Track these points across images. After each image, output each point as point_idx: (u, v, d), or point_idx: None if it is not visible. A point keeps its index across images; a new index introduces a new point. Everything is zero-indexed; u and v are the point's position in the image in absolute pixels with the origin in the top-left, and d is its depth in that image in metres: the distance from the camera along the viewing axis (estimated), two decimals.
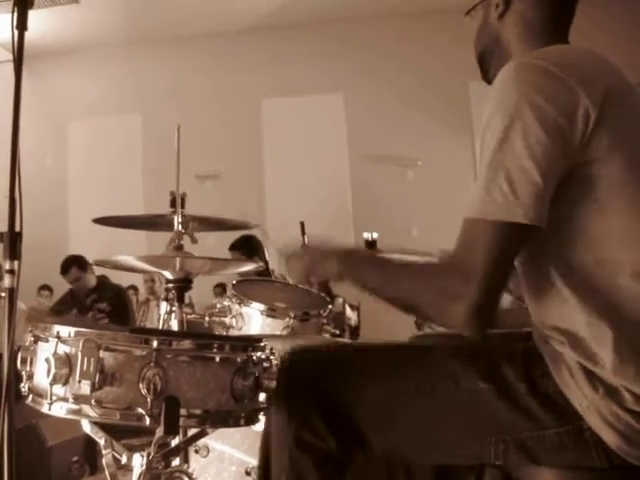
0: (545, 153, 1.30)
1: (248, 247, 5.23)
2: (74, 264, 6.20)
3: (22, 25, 1.77)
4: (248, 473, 2.30)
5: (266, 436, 1.70)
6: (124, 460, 1.79)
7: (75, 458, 4.06)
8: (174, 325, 2.47)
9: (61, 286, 6.69)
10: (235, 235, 5.35)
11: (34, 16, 1.78)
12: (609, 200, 1.34)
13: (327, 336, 2.80)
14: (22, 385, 1.72)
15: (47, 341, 1.67)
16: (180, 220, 2.50)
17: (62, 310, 6.23)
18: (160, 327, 2.55)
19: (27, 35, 1.78)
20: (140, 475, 1.67)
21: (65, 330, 1.64)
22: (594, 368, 1.35)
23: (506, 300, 1.81)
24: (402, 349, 1.72)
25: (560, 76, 1.35)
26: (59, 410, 1.61)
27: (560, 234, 1.36)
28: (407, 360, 1.60)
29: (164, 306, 2.53)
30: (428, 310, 1.39)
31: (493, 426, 1.46)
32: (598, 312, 1.35)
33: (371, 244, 2.89)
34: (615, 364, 1.32)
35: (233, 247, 5.30)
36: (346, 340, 2.20)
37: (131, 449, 1.81)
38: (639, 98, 1.49)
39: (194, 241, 2.51)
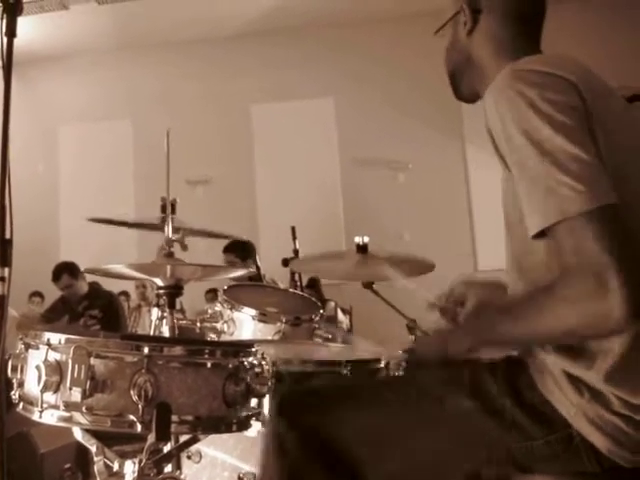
0: (574, 132, 1.29)
1: (242, 250, 5.23)
2: (65, 271, 6.18)
3: (11, 32, 1.77)
4: (241, 479, 2.29)
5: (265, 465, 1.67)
6: (116, 467, 1.78)
7: (67, 465, 4.04)
8: (165, 331, 2.46)
9: (52, 292, 6.66)
10: (227, 240, 5.35)
11: (23, 22, 1.78)
12: None
13: (319, 340, 2.80)
14: (13, 393, 1.72)
15: (38, 348, 1.66)
16: (171, 227, 2.50)
17: (53, 317, 6.20)
18: (151, 333, 2.54)
19: (16, 41, 1.78)
20: None
21: (55, 337, 1.64)
22: (581, 372, 1.35)
23: None
24: (387, 382, 1.73)
25: (559, 74, 1.36)
26: (50, 418, 1.61)
27: None
28: (393, 391, 1.60)
29: (155, 312, 2.53)
30: (583, 330, 1.26)
31: (481, 440, 1.46)
32: None
33: (362, 248, 2.90)
34: (615, 371, 1.32)
35: (227, 249, 5.30)
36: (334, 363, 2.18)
37: (123, 456, 1.80)
38: (619, 102, 1.50)
39: (184, 248, 2.51)
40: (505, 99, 1.37)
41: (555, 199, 1.25)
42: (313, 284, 5.18)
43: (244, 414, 1.76)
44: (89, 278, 6.31)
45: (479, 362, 1.53)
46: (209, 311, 2.83)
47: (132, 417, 1.57)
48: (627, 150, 1.41)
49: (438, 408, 1.49)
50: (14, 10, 1.76)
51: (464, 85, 1.73)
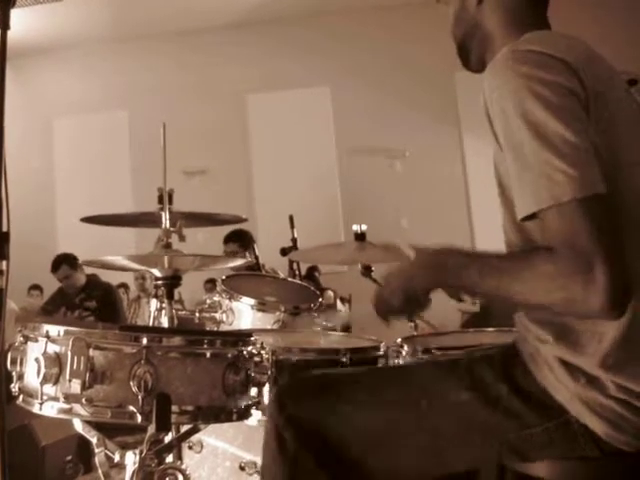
0: (570, 116, 1.28)
1: (243, 239, 5.22)
2: (64, 262, 6.20)
3: (4, 24, 1.75)
4: (242, 468, 2.29)
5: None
6: (117, 458, 1.79)
7: (69, 457, 4.06)
8: (164, 322, 2.46)
9: (51, 285, 6.67)
10: (225, 230, 5.34)
11: (17, 14, 1.77)
12: None
13: (318, 329, 2.80)
14: (13, 385, 1.72)
15: (37, 341, 1.66)
16: (168, 217, 2.49)
17: (52, 309, 6.22)
18: (151, 324, 2.54)
19: (10, 34, 1.77)
20: (133, 473, 1.67)
21: (54, 329, 1.64)
22: (575, 359, 1.35)
23: None
24: (385, 373, 1.72)
25: (558, 57, 1.34)
26: (50, 410, 1.61)
27: None
28: (391, 385, 1.59)
29: (154, 303, 2.53)
30: (555, 307, 1.27)
31: (483, 432, 1.46)
32: None
33: (360, 236, 2.89)
34: (609, 356, 1.32)
35: (228, 239, 5.29)
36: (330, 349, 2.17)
37: (124, 447, 1.81)
38: (621, 84, 1.49)
39: (182, 239, 2.50)
40: (503, 79, 1.35)
41: (548, 184, 1.25)
42: (311, 275, 5.18)
43: (244, 403, 1.77)
44: (88, 270, 6.32)
45: (474, 353, 1.53)
46: (208, 301, 2.83)
47: (132, 408, 1.58)
48: (626, 134, 1.40)
49: (437, 402, 1.49)
50: (7, 2, 1.75)
51: (473, 55, 1.68)
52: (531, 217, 1.29)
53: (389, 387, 1.58)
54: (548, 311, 1.34)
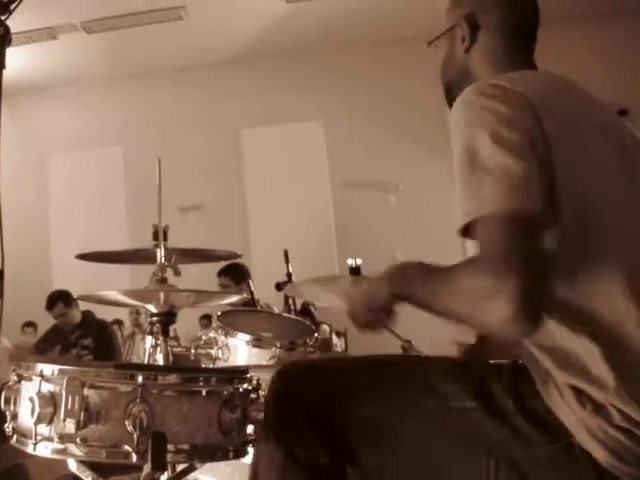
0: (516, 144, 1.30)
1: (237, 273, 5.24)
2: (60, 299, 6.16)
3: (0, 63, 1.76)
4: None
5: (256, 459, 1.68)
6: None
7: None
8: (160, 359, 2.45)
9: (45, 322, 6.63)
10: (220, 266, 5.35)
11: (11, 53, 1.78)
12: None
13: None
14: (6, 425, 1.70)
15: (31, 380, 1.65)
16: (163, 253, 2.49)
17: (46, 347, 6.17)
18: (146, 361, 2.53)
19: (5, 72, 1.78)
20: None
21: (49, 368, 1.62)
22: (585, 386, 1.34)
23: None
24: (393, 366, 1.71)
25: (516, 90, 1.38)
26: (44, 450, 1.59)
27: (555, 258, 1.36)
28: (397, 379, 1.59)
29: (149, 340, 2.52)
30: (469, 321, 1.30)
31: (483, 444, 1.45)
32: (592, 334, 1.34)
33: (355, 270, 2.89)
34: (617, 383, 1.31)
35: (222, 272, 5.31)
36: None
37: None
38: (595, 117, 1.50)
39: (177, 274, 2.50)
40: (458, 109, 1.42)
41: (476, 200, 1.29)
42: (306, 309, 5.18)
43: (240, 441, 1.75)
44: (82, 307, 6.28)
45: (487, 366, 1.53)
46: (203, 337, 2.82)
47: (127, 447, 1.56)
48: (594, 169, 1.41)
49: (443, 406, 1.48)
50: (3, 41, 1.76)
51: None
52: (467, 234, 1.32)
53: (396, 384, 1.58)
54: (467, 325, 1.35)
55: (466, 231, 1.33)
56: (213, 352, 2.75)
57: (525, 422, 1.40)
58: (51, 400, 1.59)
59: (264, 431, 1.62)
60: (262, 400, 1.81)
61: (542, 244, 1.28)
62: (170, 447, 1.59)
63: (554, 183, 1.31)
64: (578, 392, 1.35)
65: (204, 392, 1.68)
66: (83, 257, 2.65)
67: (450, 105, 1.77)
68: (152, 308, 2.42)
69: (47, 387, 1.60)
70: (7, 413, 1.70)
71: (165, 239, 2.52)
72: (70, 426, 1.55)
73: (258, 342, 2.76)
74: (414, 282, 1.46)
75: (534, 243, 1.25)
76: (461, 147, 1.36)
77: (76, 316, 6.21)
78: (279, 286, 3.89)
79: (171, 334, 2.52)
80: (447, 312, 1.35)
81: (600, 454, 1.33)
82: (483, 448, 1.46)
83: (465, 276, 1.29)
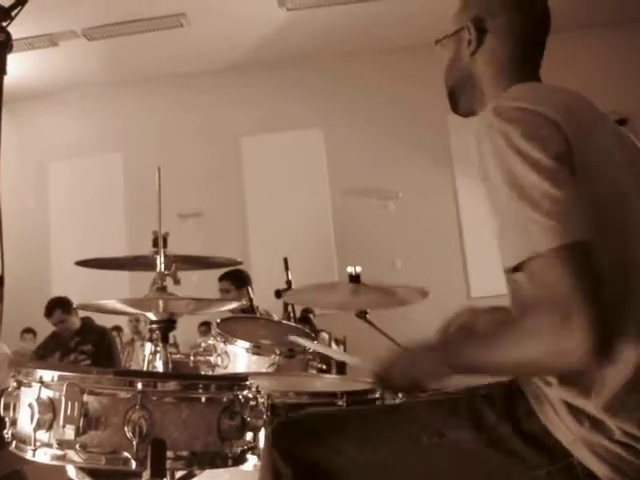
0: (550, 170, 1.28)
1: (238, 278, 5.25)
2: (58, 306, 6.15)
3: (1, 69, 1.77)
4: None
5: None
6: None
7: None
8: (159, 366, 2.45)
9: (45, 328, 6.62)
10: (219, 272, 5.35)
11: (12, 59, 1.78)
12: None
13: (313, 372, 2.78)
14: (5, 431, 1.70)
15: (30, 386, 1.65)
16: (163, 260, 2.49)
17: (45, 354, 6.16)
18: (145, 368, 2.53)
19: (6, 79, 1.78)
20: None
21: (48, 374, 1.62)
22: (580, 402, 1.34)
23: None
24: (385, 411, 1.71)
25: (541, 112, 1.36)
26: (43, 456, 1.59)
27: None
28: (390, 422, 1.58)
29: (148, 347, 2.52)
30: (546, 363, 1.26)
31: (482, 473, 1.45)
32: None
33: (355, 278, 2.89)
34: (614, 400, 1.31)
35: (223, 277, 5.32)
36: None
37: None
38: (605, 129, 1.51)
39: (177, 282, 2.50)
40: (488, 136, 1.37)
41: (525, 236, 1.26)
42: (306, 317, 5.18)
43: (240, 448, 1.75)
44: (82, 313, 6.28)
45: (477, 391, 1.52)
46: (202, 344, 2.82)
47: (126, 454, 1.56)
48: (612, 178, 1.41)
49: (437, 440, 1.47)
50: (4, 47, 1.77)
51: (462, 102, 1.73)
52: (518, 269, 1.29)
53: (388, 424, 1.57)
54: (541, 371, 1.34)
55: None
56: (212, 359, 2.75)
57: (523, 445, 1.39)
58: (50, 406, 1.58)
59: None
60: (261, 407, 1.81)
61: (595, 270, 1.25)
62: (169, 454, 1.58)
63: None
64: (574, 409, 1.35)
65: (203, 399, 1.68)
66: (82, 264, 2.65)
67: (453, 107, 1.77)
68: (151, 316, 2.42)
69: (46, 393, 1.60)
70: (6, 419, 1.70)
71: (165, 246, 2.52)
72: (69, 432, 1.55)
73: (257, 349, 2.76)
74: (462, 348, 1.43)
75: (592, 273, 1.23)
76: (500, 176, 1.32)
77: (75, 323, 6.21)
78: (279, 293, 3.89)
79: (170, 341, 2.52)
80: (510, 365, 1.33)
81: (601, 470, 1.32)
82: (483, 476, 1.45)
83: (530, 322, 1.25)
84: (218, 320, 2.91)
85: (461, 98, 1.73)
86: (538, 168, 1.28)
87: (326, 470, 1.52)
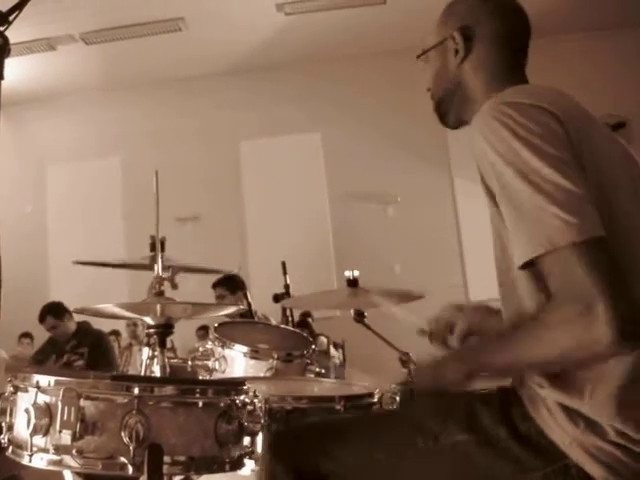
0: (562, 163, 1.29)
1: (231, 283, 5.27)
2: (49, 313, 6.14)
3: None
4: None
5: None
6: None
7: None
8: (157, 370, 2.44)
9: (43, 332, 6.61)
10: (217, 276, 5.36)
11: (10, 63, 1.78)
12: None
13: (311, 376, 2.78)
14: (2, 436, 1.70)
15: (27, 391, 1.65)
16: (160, 266, 2.48)
17: (42, 359, 6.15)
18: (142, 373, 2.52)
19: (4, 83, 1.78)
20: None
21: (45, 379, 1.62)
22: (575, 403, 1.34)
23: None
24: (383, 416, 1.71)
25: (545, 108, 1.37)
26: (40, 461, 1.59)
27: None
28: (387, 426, 1.59)
29: (146, 351, 2.51)
30: (575, 353, 1.27)
31: (479, 475, 1.45)
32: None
33: (353, 282, 2.89)
34: (607, 399, 1.31)
35: (217, 284, 5.34)
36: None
37: None
38: (600, 131, 1.51)
39: (174, 287, 2.50)
40: (491, 132, 1.37)
41: (544, 230, 1.26)
42: (304, 321, 5.18)
43: (237, 453, 1.74)
44: (79, 317, 6.27)
45: (473, 394, 1.52)
46: (200, 349, 2.82)
47: (123, 459, 1.55)
48: (610, 178, 1.41)
49: (433, 443, 1.47)
50: (2, 52, 1.76)
51: (452, 113, 1.73)
52: (529, 264, 1.30)
53: (385, 428, 1.57)
54: (570, 362, 1.33)
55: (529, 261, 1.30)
56: (210, 363, 2.74)
57: (519, 447, 1.39)
58: (47, 411, 1.58)
59: None
60: (259, 412, 1.80)
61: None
62: (166, 459, 1.58)
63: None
64: (569, 411, 1.35)
65: (201, 404, 1.67)
66: (81, 263, 2.65)
67: (442, 121, 1.77)
68: (149, 320, 2.41)
69: (43, 398, 1.60)
70: (3, 424, 1.70)
71: (162, 250, 2.52)
72: (66, 437, 1.54)
73: (255, 354, 2.76)
74: (487, 350, 1.44)
75: (607, 265, 1.24)
76: (505, 170, 1.32)
77: (69, 327, 6.20)
78: (277, 297, 3.89)
79: (168, 345, 2.51)
80: (537, 360, 1.34)
81: (596, 472, 1.32)
82: (480, 478, 1.45)
83: (553, 315, 1.27)
84: (216, 324, 2.91)
85: (450, 109, 1.73)
86: (550, 162, 1.29)
87: (326, 478, 1.52)
